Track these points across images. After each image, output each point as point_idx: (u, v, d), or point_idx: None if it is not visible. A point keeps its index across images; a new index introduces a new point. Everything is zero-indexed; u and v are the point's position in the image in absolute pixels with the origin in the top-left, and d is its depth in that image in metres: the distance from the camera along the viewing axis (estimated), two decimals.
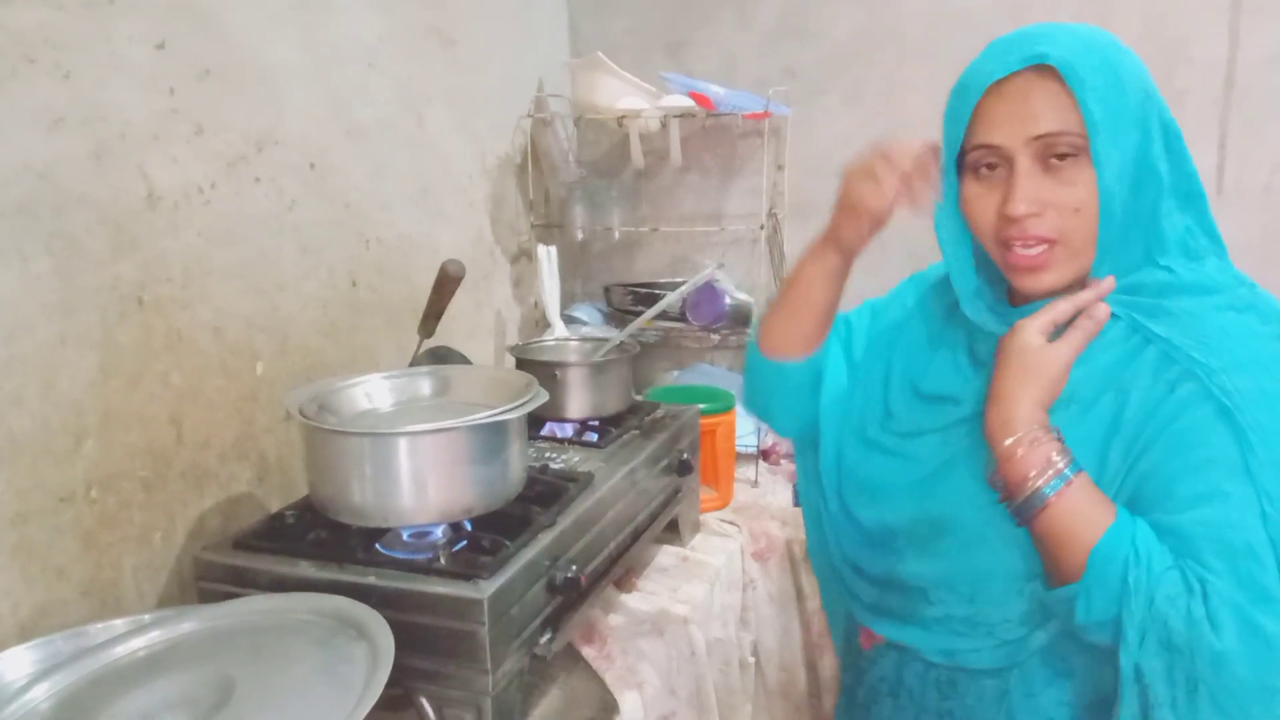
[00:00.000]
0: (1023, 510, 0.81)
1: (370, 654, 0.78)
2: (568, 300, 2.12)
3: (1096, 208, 0.81)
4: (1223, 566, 0.74)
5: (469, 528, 1.03)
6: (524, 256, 2.01)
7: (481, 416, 0.98)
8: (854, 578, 1.05)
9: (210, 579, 0.98)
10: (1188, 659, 0.73)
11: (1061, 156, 0.81)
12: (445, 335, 1.52)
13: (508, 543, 0.97)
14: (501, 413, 0.99)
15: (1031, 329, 0.83)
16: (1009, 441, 0.81)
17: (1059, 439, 0.82)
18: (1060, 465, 0.80)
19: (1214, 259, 0.86)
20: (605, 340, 1.48)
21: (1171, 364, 0.80)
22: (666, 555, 1.48)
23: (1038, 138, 0.81)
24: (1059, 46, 0.80)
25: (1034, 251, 0.83)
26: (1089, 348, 0.84)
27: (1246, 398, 0.76)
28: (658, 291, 1.94)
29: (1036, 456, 0.80)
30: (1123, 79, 0.81)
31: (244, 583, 0.96)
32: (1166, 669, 0.74)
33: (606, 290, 2.09)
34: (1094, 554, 0.77)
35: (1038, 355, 0.82)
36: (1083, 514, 0.78)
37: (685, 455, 1.44)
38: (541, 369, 1.36)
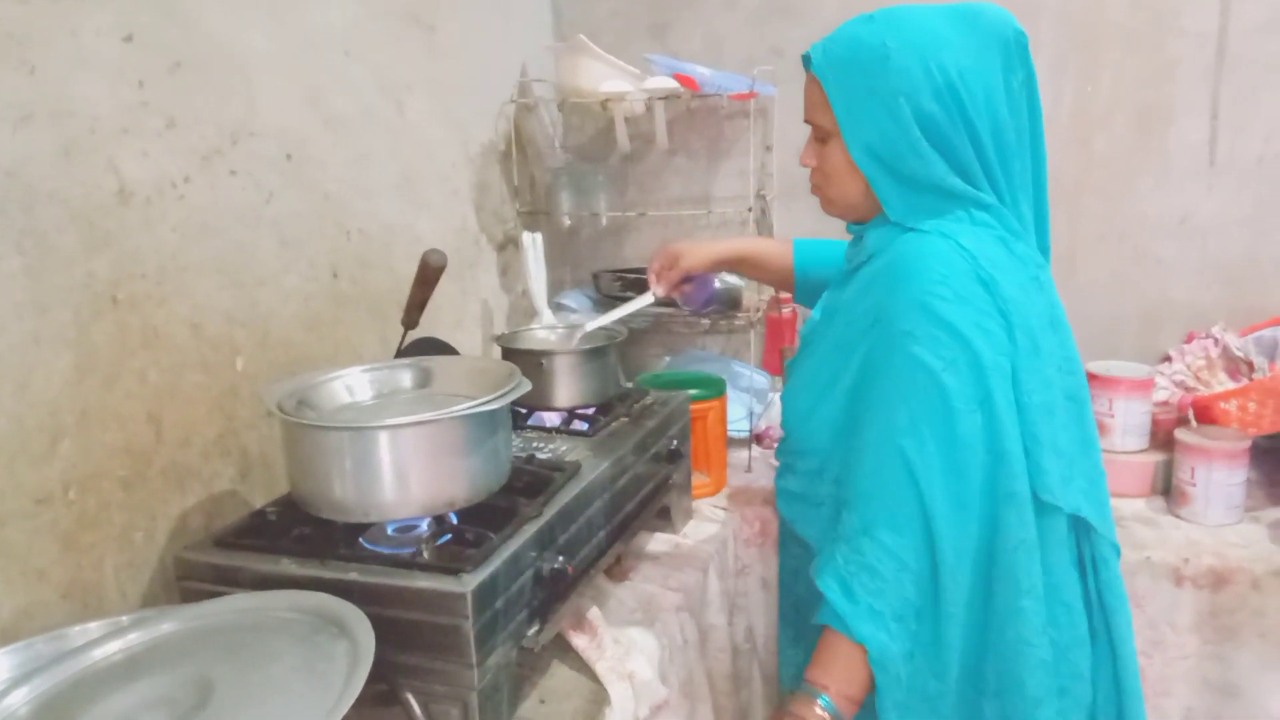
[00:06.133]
0: None
1: (351, 651, 0.77)
2: (556, 288, 2.10)
3: (842, 176, 1.07)
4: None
5: (454, 520, 1.02)
6: (510, 244, 1.99)
7: (462, 408, 0.97)
8: None
9: (191, 578, 0.97)
10: None
11: (819, 137, 1.08)
12: (432, 325, 1.50)
13: (492, 535, 0.96)
14: (482, 404, 0.98)
15: None
16: None
17: None
18: None
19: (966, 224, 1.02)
20: (595, 328, 1.46)
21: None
22: (658, 543, 1.48)
23: (806, 120, 1.10)
24: (826, 52, 1.05)
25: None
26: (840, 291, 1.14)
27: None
28: (646, 277, 1.92)
29: None
30: (872, 86, 1.00)
31: (226, 581, 0.95)
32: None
33: (595, 276, 2.08)
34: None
35: None
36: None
37: (675, 442, 1.43)
38: (528, 358, 1.35)
